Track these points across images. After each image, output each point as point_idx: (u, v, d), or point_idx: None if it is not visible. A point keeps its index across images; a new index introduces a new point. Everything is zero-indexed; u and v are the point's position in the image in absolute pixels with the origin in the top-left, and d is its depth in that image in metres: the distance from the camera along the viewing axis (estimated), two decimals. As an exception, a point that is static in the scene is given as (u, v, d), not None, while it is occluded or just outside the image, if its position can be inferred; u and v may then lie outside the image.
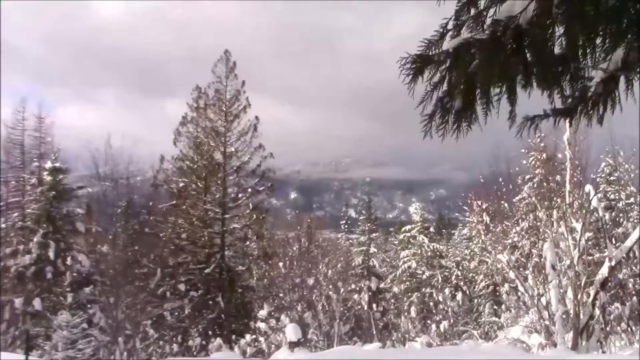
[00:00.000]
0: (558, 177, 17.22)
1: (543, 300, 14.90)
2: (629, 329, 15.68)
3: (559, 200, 15.84)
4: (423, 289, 34.65)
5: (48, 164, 24.65)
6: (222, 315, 26.06)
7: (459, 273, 35.94)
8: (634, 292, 17.22)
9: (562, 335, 13.98)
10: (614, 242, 16.67)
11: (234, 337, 23.69)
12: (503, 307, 24.31)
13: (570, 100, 3.34)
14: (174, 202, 29.11)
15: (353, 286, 28.46)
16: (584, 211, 14.34)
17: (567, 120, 3.45)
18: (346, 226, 51.76)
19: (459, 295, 30.83)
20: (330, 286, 25.20)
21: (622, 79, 3.27)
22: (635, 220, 19.79)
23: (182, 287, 24.95)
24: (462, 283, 34.93)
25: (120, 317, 16.51)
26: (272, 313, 21.56)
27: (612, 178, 24.29)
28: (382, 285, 34.54)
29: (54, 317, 16.80)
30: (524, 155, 20.57)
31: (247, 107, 29.79)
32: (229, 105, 29.87)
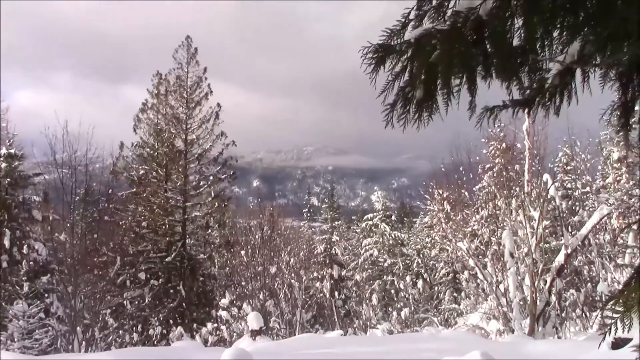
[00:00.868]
0: (517, 167, 17.55)
1: (501, 287, 15.22)
2: (583, 314, 16.14)
3: (517, 189, 16.16)
4: (384, 277, 35.05)
5: (3, 150, 23.98)
6: (183, 304, 25.90)
7: (420, 261, 36.42)
8: (588, 279, 17.73)
9: (520, 321, 14.31)
10: (570, 230, 17.09)
11: (195, 325, 23.59)
12: (463, 294, 24.78)
13: (528, 91, 3.38)
14: (134, 189, 28.73)
15: (315, 274, 28.54)
16: (541, 200, 14.65)
17: (526, 111, 3.50)
18: (309, 214, 51.88)
19: (420, 283, 31.27)
20: (293, 274, 25.25)
21: (578, 71, 3.33)
22: (591, 209, 20.30)
23: (142, 275, 24.70)
24: (422, 271, 35.42)
25: (78, 307, 16.25)
26: (234, 301, 21.48)
27: (568, 167, 24.84)
28: (344, 273, 34.68)
29: (9, 307, 16.44)
30: (484, 145, 20.89)
31: (209, 94, 29.51)
32: (191, 92, 29.54)
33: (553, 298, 14.64)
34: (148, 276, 25.37)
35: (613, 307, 2.83)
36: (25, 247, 20.39)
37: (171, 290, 26.49)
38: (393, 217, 41.16)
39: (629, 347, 4.73)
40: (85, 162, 18.88)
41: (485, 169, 20.60)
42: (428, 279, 34.41)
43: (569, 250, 14.12)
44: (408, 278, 30.14)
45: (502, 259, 15.23)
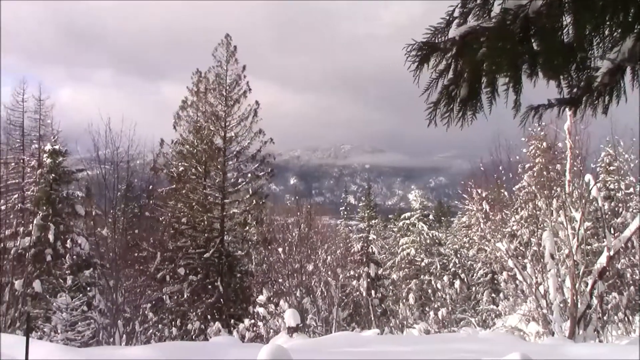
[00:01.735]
0: (558, 166, 17.23)
1: (541, 289, 14.96)
2: (626, 318, 15.77)
3: (558, 189, 15.86)
4: (421, 276, 34.77)
5: (48, 146, 24.58)
6: (221, 300, 26.18)
7: (457, 261, 36.01)
8: (631, 282, 17.30)
9: (560, 324, 14.05)
10: (612, 231, 16.70)
11: (232, 321, 23.79)
12: (501, 295, 24.42)
13: (575, 90, 3.33)
14: (174, 186, 29.15)
15: (352, 272, 28.54)
16: (583, 201, 14.36)
17: (572, 110, 3.44)
18: (345, 213, 51.76)
19: (457, 283, 30.93)
20: (329, 272, 25.26)
21: (628, 69, 3.26)
22: (634, 211, 19.82)
23: (181, 271, 25.02)
24: (460, 271, 35.02)
25: (119, 300, 16.55)
26: (271, 298, 21.62)
27: (611, 168, 24.27)
28: (380, 272, 34.67)
29: (53, 300, 16.83)
30: (524, 144, 20.53)
31: (248, 92, 29.75)
32: (230, 89, 29.82)
33: (594, 301, 14.33)
34: (187, 272, 25.70)
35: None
36: (68, 241, 20.86)
37: (209, 286, 26.79)
38: (430, 216, 40.73)
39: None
40: (127, 158, 19.19)
41: (525, 169, 20.29)
42: (465, 279, 34.02)
43: (612, 253, 13.80)
44: (445, 278, 29.80)
45: (542, 260, 14.96)
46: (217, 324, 21.21)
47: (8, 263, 16.63)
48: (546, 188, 16.34)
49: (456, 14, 3.21)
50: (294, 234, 26.20)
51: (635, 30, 3.01)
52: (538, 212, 16.49)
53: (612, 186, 24.02)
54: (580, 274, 14.01)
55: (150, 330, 18.88)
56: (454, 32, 3.13)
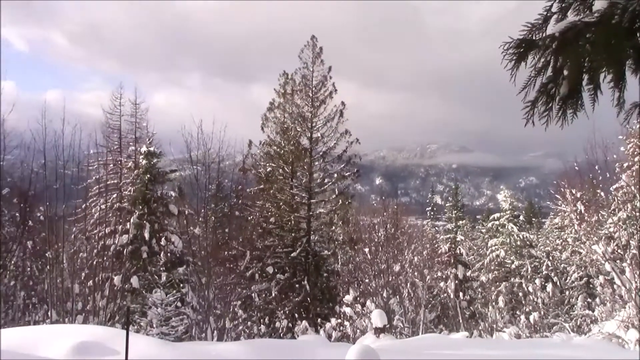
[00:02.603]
0: (661, 165, 16.35)
1: (642, 294, 14.24)
2: None
3: (661, 189, 15.06)
4: (512, 279, 33.79)
5: (143, 148, 25.64)
6: (308, 299, 26.45)
7: (550, 263, 34.74)
8: None
9: (663, 331, 13.33)
10: None
11: (319, 320, 24.02)
12: (597, 300, 23.41)
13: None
14: (262, 186, 29.72)
15: (439, 274, 28.14)
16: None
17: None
18: (432, 213, 51.18)
19: (549, 287, 29.89)
20: (416, 273, 25.02)
21: None
22: None
23: (269, 269, 25.48)
24: (552, 274, 33.78)
25: (211, 297, 17.04)
26: (358, 298, 21.66)
27: None
28: (468, 274, 33.98)
29: (149, 295, 17.52)
30: (622, 142, 19.59)
31: (334, 93, 29.92)
32: (316, 90, 30.09)
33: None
34: (275, 270, 26.14)
35: None
36: (162, 239, 21.68)
37: (296, 285, 27.14)
38: (521, 217, 39.51)
39: None
40: (217, 159, 19.72)
41: (623, 168, 19.33)
42: (558, 283, 32.79)
43: None
44: (537, 281, 28.85)
45: (642, 264, 14.26)
46: (304, 323, 21.47)
47: (108, 259, 17.47)
48: (647, 188, 15.55)
49: (554, 9, 3.10)
50: (380, 234, 26.12)
51: None
52: (637, 213, 15.73)
53: None
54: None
55: (240, 327, 19.33)
56: (552, 28, 3.02)
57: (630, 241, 15.85)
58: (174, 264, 20.83)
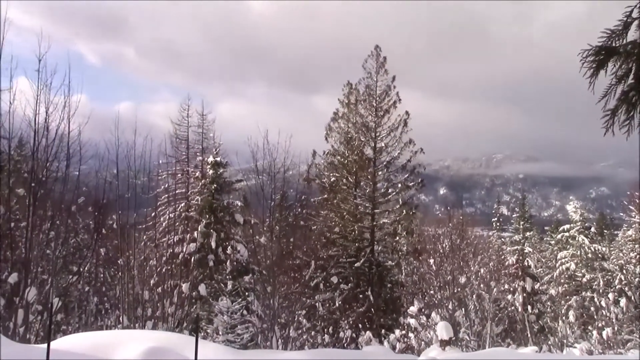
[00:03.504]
0: None
1: None
2: None
3: None
4: (583, 293, 32.72)
5: (210, 159, 26.19)
6: (372, 309, 26.33)
7: (623, 277, 33.45)
8: None
9: None
10: None
11: (383, 331, 23.83)
12: (675, 316, 22.36)
13: None
14: (326, 196, 29.85)
15: (506, 286, 27.47)
16: None
17: None
18: (498, 224, 50.25)
19: (623, 301, 28.74)
20: (482, 285, 24.51)
21: None
22: None
23: (334, 279, 25.51)
24: (626, 288, 32.50)
25: (276, 306, 17.17)
26: (422, 310, 21.39)
27: None
28: (537, 287, 33.06)
29: (215, 303, 17.81)
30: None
31: (398, 102, 29.83)
32: (379, 100, 30.08)
33: None
34: (339, 280, 26.16)
35: None
36: (228, 248, 22.04)
37: (360, 295, 27.06)
38: (592, 229, 38.26)
39: None
40: (283, 169, 19.90)
41: None
42: (633, 298, 31.45)
43: None
44: (610, 295, 27.77)
45: None
46: (368, 333, 21.35)
47: (176, 267, 17.86)
48: None
49: (635, 14, 2.99)
50: (445, 245, 25.76)
51: None
52: None
53: None
54: None
55: (304, 336, 19.38)
56: (634, 34, 2.91)
57: None
58: (239, 273, 21.15)
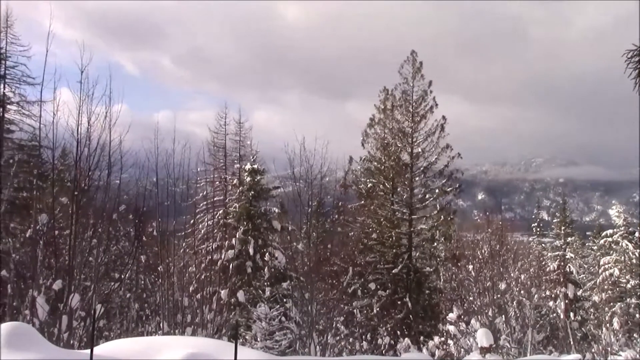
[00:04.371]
0: None
1: None
2: None
3: None
4: (627, 299, 31.93)
5: (247, 166, 26.42)
6: (410, 316, 26.13)
7: (670, 283, 32.55)
8: None
9: None
10: None
11: (421, 338, 23.63)
12: None
13: None
14: (363, 202, 29.79)
15: (547, 293, 26.95)
16: None
17: None
18: (538, 229, 49.42)
19: (670, 308, 28.00)
20: (523, 292, 24.11)
21: None
22: None
23: (371, 286, 25.41)
24: (674, 295, 31.62)
25: (313, 312, 17.19)
26: (462, 316, 21.13)
27: None
28: (579, 293, 32.42)
29: (253, 309, 17.92)
30: None
31: (434, 107, 29.62)
32: (416, 105, 29.89)
33: None
34: (377, 287, 26.05)
35: None
36: (266, 254, 22.16)
37: (398, 302, 26.88)
38: (636, 234, 37.33)
39: None
40: (319, 175, 19.95)
41: None
42: (680, 304, 30.64)
43: None
44: (656, 302, 27.11)
45: None
46: (407, 340, 21.20)
47: (215, 274, 18.04)
48: None
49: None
50: (484, 251, 25.44)
51: None
52: None
53: None
54: None
55: (342, 343, 19.36)
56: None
57: None
58: (277, 279, 21.24)
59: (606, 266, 34.03)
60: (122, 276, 18.70)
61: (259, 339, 17.07)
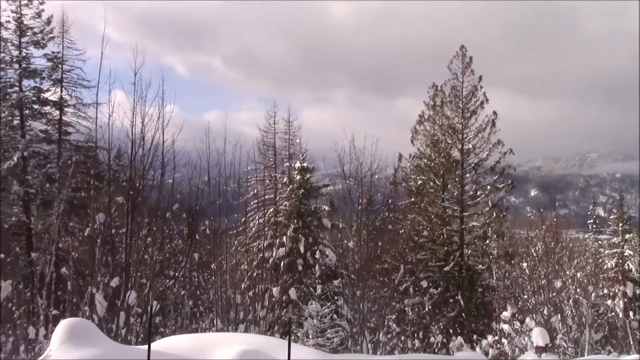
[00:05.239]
0: None
1: None
2: None
3: None
4: (690, 298, 30.82)
5: (297, 164, 26.60)
6: (463, 314, 25.82)
7: None
8: None
9: None
10: None
11: (474, 337, 23.35)
12: None
13: None
14: (413, 199, 29.59)
15: (605, 291, 26.20)
16: None
17: None
18: (594, 226, 48.17)
19: None
20: (579, 290, 23.52)
21: None
22: None
23: (423, 283, 25.23)
24: None
25: (365, 310, 17.16)
26: (516, 315, 20.77)
27: None
28: (639, 292, 31.44)
29: (305, 307, 18.02)
30: None
31: (485, 103, 29.17)
32: (466, 101, 29.52)
33: None
34: (428, 284, 25.85)
35: None
36: (317, 252, 22.26)
37: (450, 300, 26.61)
38: (699, 230, 36.07)
39: None
40: (369, 173, 19.90)
41: None
42: None
43: None
44: None
45: None
46: (459, 339, 20.95)
47: (266, 271, 18.19)
48: None
49: None
50: (538, 248, 24.93)
51: None
52: None
53: None
54: None
55: (394, 341, 19.28)
56: None
57: None
58: (328, 277, 21.30)
59: (667, 264, 32.93)
60: (177, 274, 19.03)
61: (310, 336, 17.15)
